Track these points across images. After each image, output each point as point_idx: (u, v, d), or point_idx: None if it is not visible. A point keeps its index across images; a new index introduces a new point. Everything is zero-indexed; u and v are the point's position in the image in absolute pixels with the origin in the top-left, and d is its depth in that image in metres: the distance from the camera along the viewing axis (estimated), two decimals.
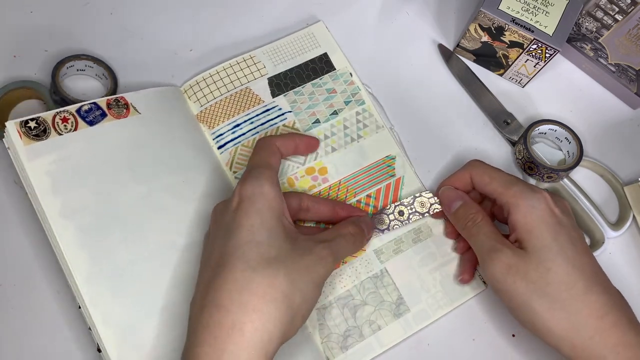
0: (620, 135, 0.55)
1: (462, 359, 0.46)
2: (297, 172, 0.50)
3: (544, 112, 0.55)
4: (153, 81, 0.52)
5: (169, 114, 0.48)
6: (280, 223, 0.39)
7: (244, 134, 0.50)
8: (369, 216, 0.48)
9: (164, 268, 0.43)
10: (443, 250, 0.48)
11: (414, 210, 0.48)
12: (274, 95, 0.52)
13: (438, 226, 0.49)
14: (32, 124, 0.42)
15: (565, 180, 0.52)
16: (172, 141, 0.47)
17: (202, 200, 0.46)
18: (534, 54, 0.52)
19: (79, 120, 0.44)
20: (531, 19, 0.50)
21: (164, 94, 0.49)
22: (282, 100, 0.52)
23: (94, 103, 0.45)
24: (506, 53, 0.53)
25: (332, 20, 0.56)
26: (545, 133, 0.52)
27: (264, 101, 0.51)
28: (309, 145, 0.49)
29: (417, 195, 0.49)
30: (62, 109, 0.43)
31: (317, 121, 0.51)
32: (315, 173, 0.50)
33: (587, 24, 0.53)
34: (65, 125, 0.43)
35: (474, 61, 0.56)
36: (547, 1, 0.51)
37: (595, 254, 0.48)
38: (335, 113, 0.52)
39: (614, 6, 0.50)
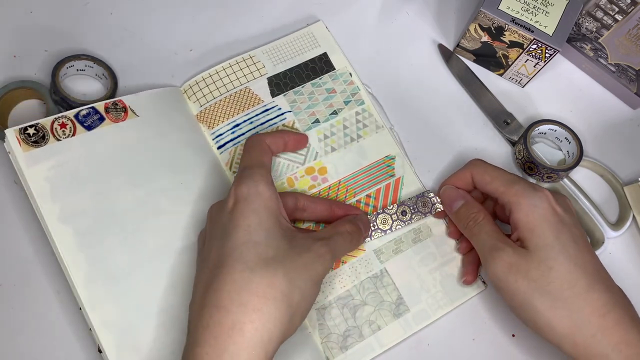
0: (620, 135, 0.55)
1: (462, 359, 0.46)
2: (296, 172, 0.50)
3: (544, 112, 0.55)
4: (153, 81, 0.52)
5: (168, 116, 0.48)
6: (277, 222, 0.39)
7: (243, 134, 0.50)
8: (366, 214, 0.48)
9: (162, 270, 0.43)
10: (443, 250, 0.48)
11: (416, 210, 0.48)
12: (273, 95, 0.52)
13: (438, 226, 0.49)
14: (31, 131, 0.42)
15: (565, 180, 0.52)
16: (171, 143, 0.47)
17: (201, 201, 0.46)
18: (533, 54, 0.52)
19: (77, 125, 0.44)
20: (531, 19, 0.50)
21: (162, 96, 0.49)
22: (281, 100, 0.52)
23: (92, 107, 0.45)
24: (506, 53, 0.53)
25: (332, 20, 0.56)
26: (545, 133, 0.52)
27: (263, 101, 0.51)
28: (297, 141, 0.49)
29: (419, 195, 0.49)
30: (60, 114, 0.44)
31: (317, 121, 0.51)
32: (315, 173, 0.50)
33: (587, 24, 0.53)
34: (63, 131, 0.43)
35: (474, 61, 0.56)
36: (547, 1, 0.51)
37: None
38: (334, 113, 0.52)
39: (614, 6, 0.50)
